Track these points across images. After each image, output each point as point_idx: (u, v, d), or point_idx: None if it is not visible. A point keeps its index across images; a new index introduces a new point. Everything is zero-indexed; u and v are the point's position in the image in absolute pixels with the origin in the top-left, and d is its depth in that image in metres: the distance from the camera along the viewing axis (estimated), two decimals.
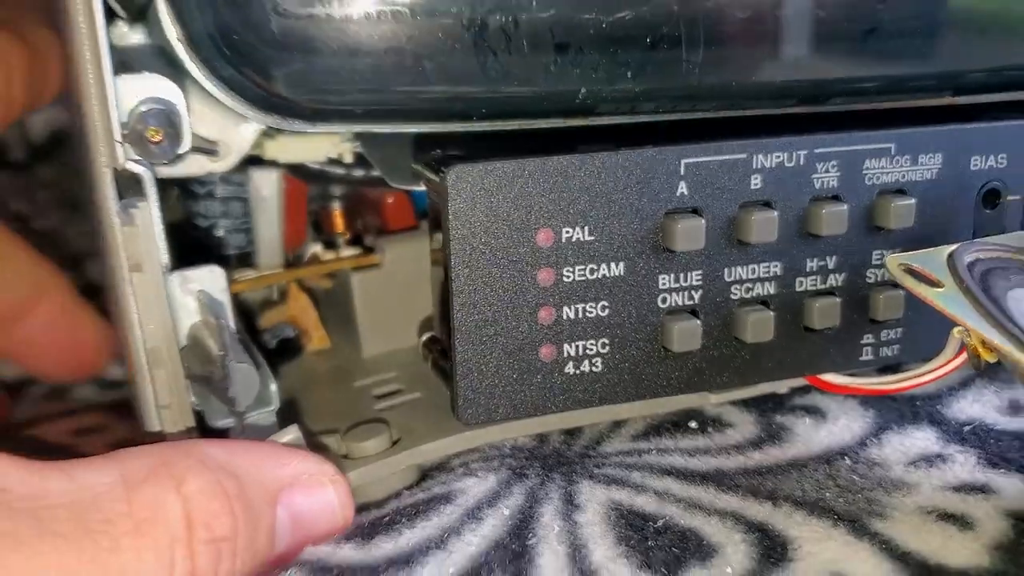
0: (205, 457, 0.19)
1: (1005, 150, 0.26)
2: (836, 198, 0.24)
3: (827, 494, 0.22)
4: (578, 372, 0.23)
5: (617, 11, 0.21)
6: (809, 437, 0.25)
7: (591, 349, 0.24)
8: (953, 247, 0.23)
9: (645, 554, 0.21)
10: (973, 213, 0.26)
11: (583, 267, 0.23)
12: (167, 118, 0.21)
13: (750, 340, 0.24)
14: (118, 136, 0.21)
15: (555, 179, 0.22)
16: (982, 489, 0.23)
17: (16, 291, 0.30)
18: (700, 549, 0.21)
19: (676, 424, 0.26)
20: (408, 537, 0.22)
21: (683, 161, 0.23)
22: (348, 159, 0.26)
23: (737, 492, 0.23)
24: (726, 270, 0.24)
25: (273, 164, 0.26)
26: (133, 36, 0.22)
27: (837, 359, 0.25)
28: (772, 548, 0.21)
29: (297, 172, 0.27)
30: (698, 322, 0.24)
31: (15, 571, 0.16)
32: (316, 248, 0.30)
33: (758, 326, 0.24)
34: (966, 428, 0.25)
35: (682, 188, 0.23)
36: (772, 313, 0.24)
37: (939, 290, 0.21)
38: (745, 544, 0.21)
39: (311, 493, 0.22)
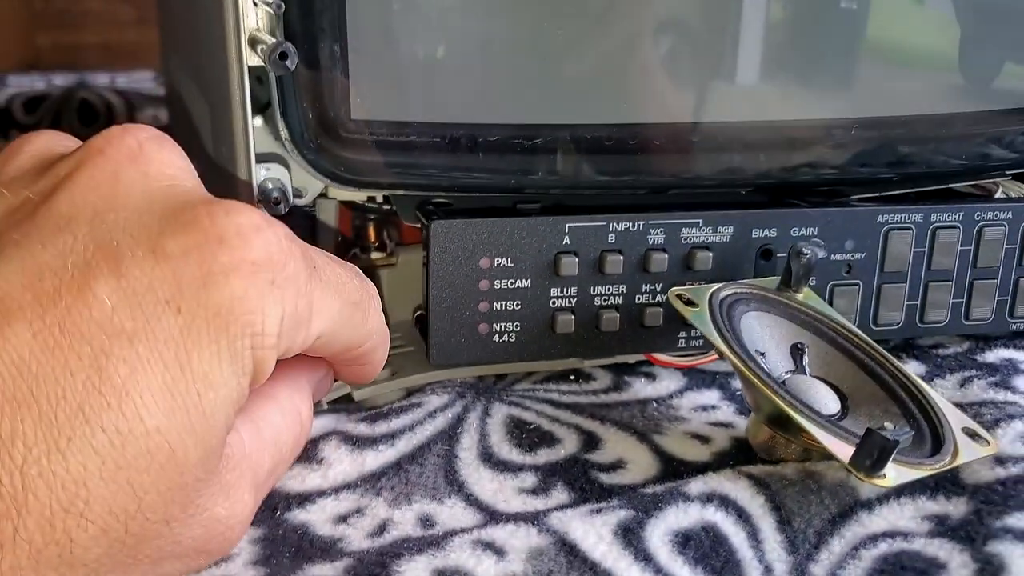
0: None
1: (776, 224, 0.40)
2: (663, 249, 0.39)
3: (634, 420, 0.38)
4: (501, 341, 0.39)
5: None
6: (639, 390, 0.41)
7: (509, 328, 0.39)
8: (719, 285, 0.38)
9: (519, 440, 0.37)
10: (753, 264, 0.41)
11: (506, 280, 0.39)
12: (281, 191, 0.37)
13: (604, 330, 0.40)
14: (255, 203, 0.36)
15: (494, 230, 0.37)
16: (727, 425, 0.39)
17: None
18: (550, 441, 0.37)
19: (562, 375, 0.42)
20: (395, 423, 0.38)
21: (567, 224, 0.38)
22: (379, 200, 0.42)
23: (583, 414, 0.39)
24: (591, 287, 0.39)
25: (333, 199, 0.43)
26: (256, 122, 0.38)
27: (662, 344, 0.41)
28: (590, 443, 0.37)
29: (347, 204, 0.44)
30: (573, 317, 0.39)
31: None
32: (356, 251, 0.46)
33: (610, 322, 0.40)
34: (737, 392, 0.41)
35: (566, 239, 0.38)
36: (618, 315, 0.39)
37: (695, 310, 0.37)
38: (577, 439, 0.37)
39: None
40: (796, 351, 0.38)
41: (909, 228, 0.42)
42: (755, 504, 0.32)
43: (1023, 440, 0.35)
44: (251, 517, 0.29)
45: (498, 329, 0.39)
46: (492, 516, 0.32)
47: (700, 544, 0.30)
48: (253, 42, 0.33)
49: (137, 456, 0.23)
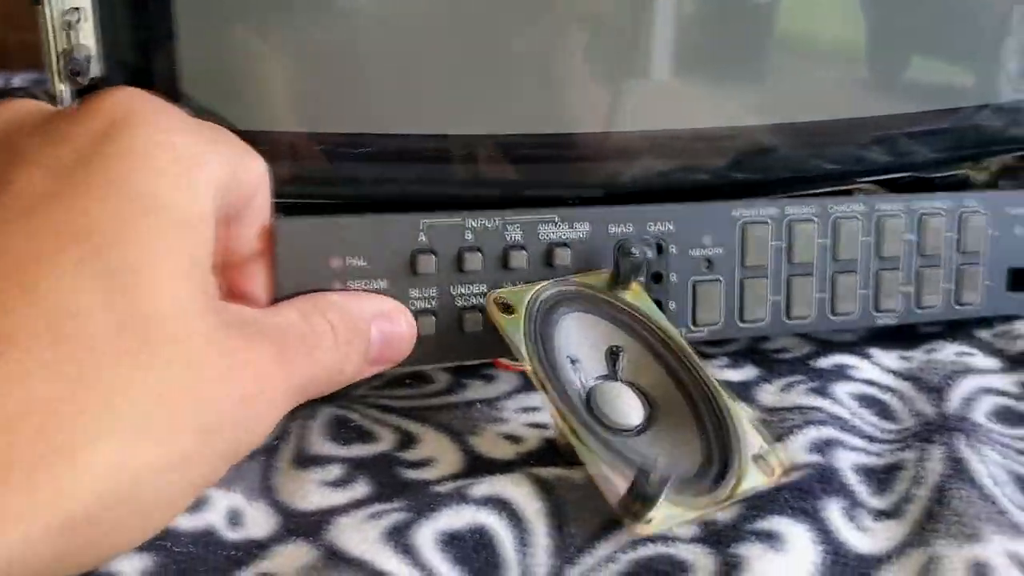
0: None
1: (632, 220, 0.41)
2: (522, 247, 0.40)
3: (454, 421, 0.41)
4: None
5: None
6: (475, 391, 0.43)
7: None
8: (546, 283, 0.39)
9: (334, 436, 0.39)
10: (613, 261, 0.40)
11: (361, 281, 0.38)
12: None
13: (468, 331, 0.39)
14: None
15: (345, 229, 0.37)
16: (544, 426, 0.41)
17: None
18: (367, 438, 0.39)
19: (398, 380, 0.44)
20: None
21: (423, 221, 0.38)
22: None
23: (408, 416, 0.41)
24: (451, 287, 0.39)
25: None
26: None
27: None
28: (405, 441, 0.39)
29: None
30: (434, 318, 0.39)
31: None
32: None
33: (474, 323, 0.39)
34: None
35: (423, 236, 0.38)
36: (482, 315, 0.39)
37: (511, 317, 0.38)
38: (393, 438, 0.39)
39: (393, 321, 0.37)
40: (612, 355, 0.39)
41: (765, 222, 0.44)
42: (533, 507, 0.34)
43: (806, 449, 0.37)
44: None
45: None
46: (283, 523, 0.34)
47: (464, 545, 0.32)
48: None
49: None
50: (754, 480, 0.35)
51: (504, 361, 0.41)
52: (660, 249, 0.42)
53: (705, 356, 0.45)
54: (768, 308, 0.45)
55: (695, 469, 0.35)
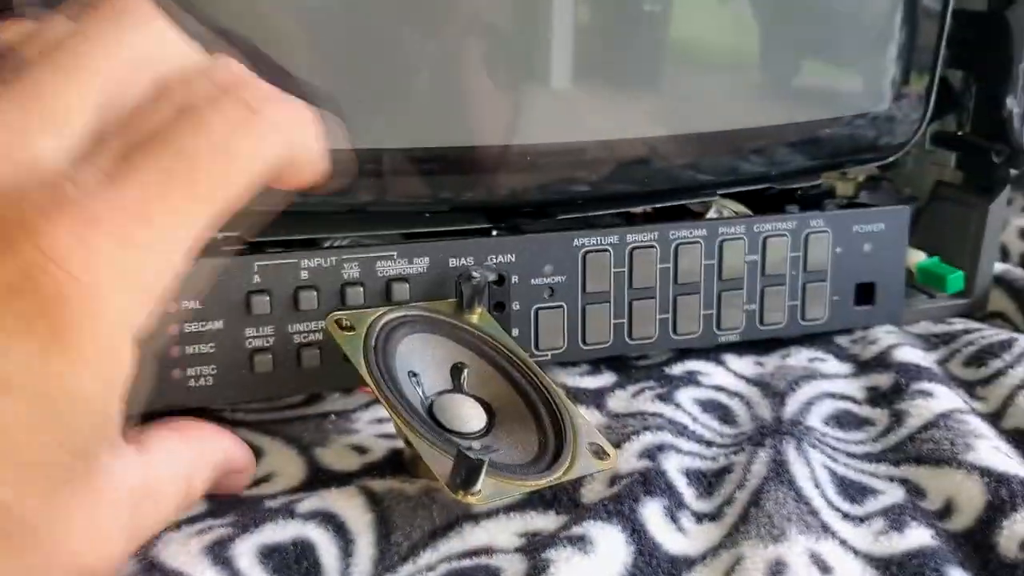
0: None
1: (472, 253, 0.42)
2: (359, 283, 0.41)
3: (304, 434, 0.41)
4: (197, 385, 0.39)
5: None
6: (332, 404, 0.44)
7: (204, 371, 0.39)
8: (388, 308, 0.39)
9: None
10: (456, 292, 0.41)
11: (197, 323, 0.38)
12: None
13: (306, 366, 0.40)
14: None
15: None
16: (392, 437, 0.42)
17: None
18: None
19: None
20: None
21: (256, 263, 0.39)
22: None
23: (258, 430, 0.41)
24: (289, 325, 0.40)
25: None
26: None
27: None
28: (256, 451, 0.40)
29: None
30: (271, 357, 0.40)
31: None
32: None
33: (311, 358, 0.40)
34: None
35: (256, 278, 0.39)
36: (319, 351, 0.40)
37: (350, 334, 0.38)
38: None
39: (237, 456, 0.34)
40: (455, 370, 0.40)
41: (607, 250, 0.45)
42: (362, 520, 0.35)
43: (639, 455, 0.38)
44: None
45: (193, 373, 0.39)
46: None
47: (285, 556, 0.32)
48: None
49: None
50: (586, 464, 0.36)
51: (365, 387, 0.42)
52: (501, 280, 0.43)
53: (566, 364, 0.47)
54: (611, 331, 0.46)
55: (531, 457, 0.37)
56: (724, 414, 0.44)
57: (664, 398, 0.44)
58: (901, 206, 0.52)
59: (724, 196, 0.51)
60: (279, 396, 0.42)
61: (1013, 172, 0.53)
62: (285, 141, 0.27)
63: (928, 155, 0.56)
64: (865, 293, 0.51)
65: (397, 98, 0.42)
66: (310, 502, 0.35)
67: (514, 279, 0.44)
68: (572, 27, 0.44)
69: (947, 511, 0.37)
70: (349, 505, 0.35)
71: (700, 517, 0.37)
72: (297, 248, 0.40)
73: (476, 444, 0.37)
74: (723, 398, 0.45)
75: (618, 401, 0.45)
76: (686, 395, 0.45)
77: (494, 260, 0.43)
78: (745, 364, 0.49)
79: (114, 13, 0.26)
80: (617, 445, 0.40)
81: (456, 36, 0.42)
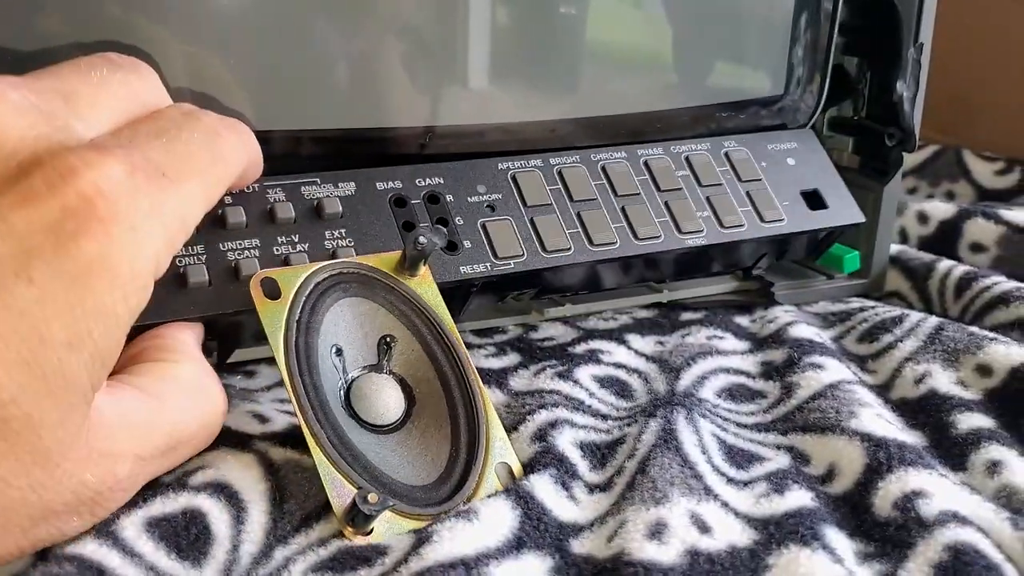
0: None
1: (400, 178, 0.43)
2: (286, 202, 0.40)
3: None
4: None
5: None
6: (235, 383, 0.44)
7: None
8: (318, 266, 0.37)
9: None
10: (391, 212, 0.42)
11: None
12: None
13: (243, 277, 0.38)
14: None
15: None
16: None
17: None
18: None
19: None
20: None
21: None
22: None
23: None
24: (219, 244, 0.38)
25: None
26: None
27: None
28: None
29: None
30: (205, 268, 0.38)
31: None
32: None
33: (248, 269, 0.38)
34: None
35: None
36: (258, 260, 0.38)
37: (273, 302, 0.35)
38: None
39: None
40: (384, 344, 0.38)
41: (532, 171, 0.47)
42: (256, 489, 0.35)
43: (530, 440, 0.39)
44: (131, 488, 0.31)
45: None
46: None
47: (174, 526, 0.32)
48: None
49: None
50: (490, 488, 0.36)
51: None
52: (435, 199, 0.44)
53: (471, 347, 0.48)
54: (568, 238, 0.46)
55: (436, 474, 0.36)
56: (621, 389, 0.45)
57: (564, 375, 0.45)
58: (805, 129, 0.55)
59: None
60: (214, 310, 0.38)
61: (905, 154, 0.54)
62: (243, 155, 0.36)
63: (826, 140, 0.58)
64: (813, 200, 0.52)
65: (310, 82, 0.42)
66: (203, 475, 0.35)
67: (449, 198, 0.44)
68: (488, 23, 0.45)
69: (829, 475, 0.38)
70: (245, 474, 0.35)
71: (592, 488, 0.37)
72: None
73: (388, 441, 0.36)
74: (622, 374, 0.46)
75: (519, 380, 0.45)
76: (585, 372, 0.45)
77: (422, 183, 0.44)
78: (647, 343, 0.50)
79: (127, 64, 0.34)
80: (514, 427, 0.40)
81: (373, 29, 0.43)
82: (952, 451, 0.40)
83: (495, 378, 0.45)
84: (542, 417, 0.40)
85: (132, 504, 0.33)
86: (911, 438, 0.40)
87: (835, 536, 0.34)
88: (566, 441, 0.39)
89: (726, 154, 0.51)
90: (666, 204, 0.49)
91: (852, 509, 0.36)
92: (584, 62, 0.49)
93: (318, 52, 0.42)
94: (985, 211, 0.61)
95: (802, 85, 0.54)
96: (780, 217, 0.51)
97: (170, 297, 0.37)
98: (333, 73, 0.43)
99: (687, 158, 0.50)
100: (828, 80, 0.54)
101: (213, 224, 0.39)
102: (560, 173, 0.47)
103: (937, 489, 0.35)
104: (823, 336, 0.50)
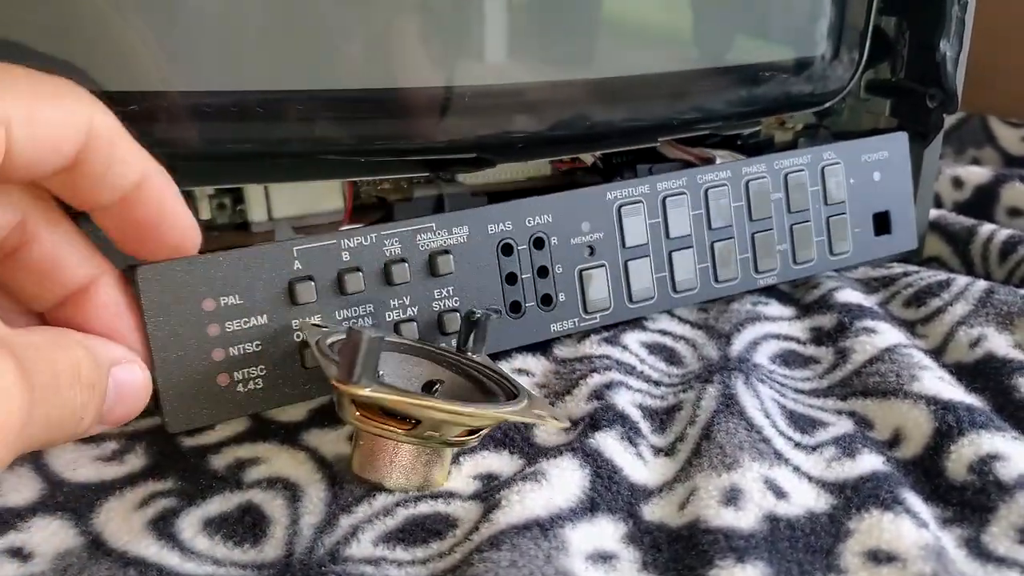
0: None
1: (509, 217, 0.40)
2: (402, 260, 0.38)
3: None
4: (247, 390, 0.35)
5: None
6: None
7: (253, 373, 0.35)
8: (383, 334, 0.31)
9: None
10: (496, 259, 0.40)
11: (239, 320, 0.35)
12: None
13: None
14: None
15: (212, 267, 0.34)
16: None
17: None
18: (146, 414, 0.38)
19: None
20: None
21: (295, 248, 0.35)
22: None
23: None
24: (335, 312, 0.36)
25: None
26: None
27: None
28: None
29: None
30: None
31: None
32: None
33: None
34: None
35: (297, 264, 0.36)
36: None
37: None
38: None
39: (130, 371, 0.30)
40: (428, 384, 0.36)
41: (639, 201, 0.44)
42: (312, 478, 0.34)
43: (587, 399, 0.38)
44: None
45: (241, 377, 0.35)
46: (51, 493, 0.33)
47: (229, 521, 0.32)
48: None
49: None
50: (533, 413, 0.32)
51: None
52: (540, 243, 0.41)
53: None
54: (654, 285, 0.44)
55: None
56: (670, 355, 0.44)
57: (611, 341, 0.43)
58: (899, 132, 0.51)
59: (665, 143, 0.51)
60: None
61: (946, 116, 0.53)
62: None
63: (863, 103, 0.56)
64: (881, 223, 0.50)
65: (322, 38, 0.40)
66: (260, 469, 0.34)
67: (553, 240, 0.42)
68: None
69: (896, 440, 0.37)
70: (299, 471, 0.35)
71: (656, 451, 0.36)
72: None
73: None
74: (668, 341, 0.45)
75: (565, 349, 0.44)
76: (632, 338, 0.44)
77: (532, 222, 0.41)
78: (690, 310, 0.48)
79: None
80: (567, 392, 0.39)
81: None
82: (1016, 415, 0.39)
83: (539, 346, 0.44)
84: (596, 380, 0.39)
85: (191, 500, 0.32)
86: (977, 401, 0.39)
87: (914, 500, 0.32)
88: (625, 401, 0.38)
89: (822, 170, 0.48)
90: (752, 237, 0.47)
91: (924, 473, 0.35)
92: (617, 23, 0.47)
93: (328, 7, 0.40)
94: (1023, 175, 0.60)
95: (842, 46, 0.53)
96: (847, 249, 0.49)
97: (290, 378, 0.36)
98: (339, 29, 0.40)
99: (785, 176, 0.47)
100: (869, 40, 0.52)
101: (331, 290, 0.37)
102: (664, 202, 0.44)
103: (1013, 452, 0.34)
104: (870, 301, 0.49)
